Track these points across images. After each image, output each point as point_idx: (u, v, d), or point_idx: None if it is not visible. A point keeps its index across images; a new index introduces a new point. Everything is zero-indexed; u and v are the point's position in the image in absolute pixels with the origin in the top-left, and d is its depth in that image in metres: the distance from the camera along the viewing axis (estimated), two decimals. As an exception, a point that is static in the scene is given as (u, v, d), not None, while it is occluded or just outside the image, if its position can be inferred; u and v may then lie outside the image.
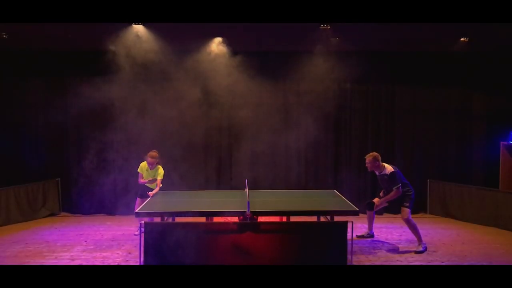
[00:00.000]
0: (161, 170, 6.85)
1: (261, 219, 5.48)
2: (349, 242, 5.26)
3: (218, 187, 8.48)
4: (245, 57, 8.13)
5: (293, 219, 6.04)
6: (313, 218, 6.30)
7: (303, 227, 5.37)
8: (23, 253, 6.11)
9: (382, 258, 5.95)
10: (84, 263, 5.68)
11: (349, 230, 5.20)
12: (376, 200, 6.57)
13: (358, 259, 5.89)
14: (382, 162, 6.39)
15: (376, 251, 6.27)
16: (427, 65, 8.49)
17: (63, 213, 8.52)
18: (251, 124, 8.52)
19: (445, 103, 8.71)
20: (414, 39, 7.66)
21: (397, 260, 5.84)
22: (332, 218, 5.67)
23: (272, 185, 8.32)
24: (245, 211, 5.22)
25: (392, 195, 6.28)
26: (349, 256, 5.31)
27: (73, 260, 5.81)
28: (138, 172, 6.89)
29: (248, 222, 5.22)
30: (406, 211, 6.23)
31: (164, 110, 8.36)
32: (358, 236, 6.94)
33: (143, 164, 6.87)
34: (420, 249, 6.18)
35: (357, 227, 7.27)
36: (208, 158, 8.60)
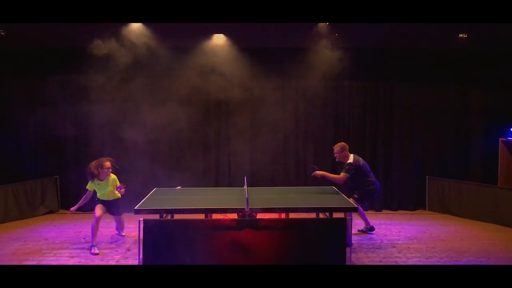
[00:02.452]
0: (114, 176, 6.35)
1: (260, 215, 5.48)
2: (348, 238, 5.26)
3: (216, 184, 8.48)
4: (243, 54, 8.16)
5: (292, 215, 6.04)
6: (312, 215, 6.30)
7: (302, 223, 5.36)
8: (22, 250, 6.10)
9: (381, 254, 5.96)
10: (83, 261, 5.67)
11: (348, 226, 5.19)
12: (318, 172, 6.51)
13: (357, 255, 5.90)
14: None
15: (375, 247, 6.28)
16: (425, 62, 8.49)
17: (61, 211, 8.50)
18: (250, 121, 8.53)
19: (443, 100, 8.71)
20: (412, 36, 7.65)
21: (396, 257, 5.85)
22: (331, 214, 5.66)
23: (271, 182, 8.33)
24: (244, 208, 5.22)
25: (333, 176, 6.44)
26: (348, 253, 5.30)
27: (72, 257, 5.81)
28: (88, 189, 6.21)
29: (247, 219, 5.21)
30: (352, 201, 6.30)
31: (162, 108, 8.38)
32: (359, 231, 6.99)
33: (89, 185, 6.23)
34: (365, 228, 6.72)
35: (356, 223, 7.26)
36: (206, 156, 8.59)
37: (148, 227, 5.08)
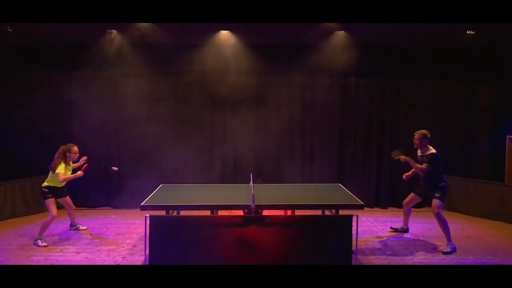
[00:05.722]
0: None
1: (266, 212, 5.48)
2: (354, 236, 5.25)
3: (222, 181, 8.49)
4: (249, 50, 8.16)
5: (298, 212, 6.04)
6: (318, 212, 6.30)
7: (307, 220, 5.37)
8: (29, 246, 6.14)
9: (387, 252, 5.95)
10: (90, 256, 5.71)
11: (354, 223, 5.19)
12: (403, 157, 6.23)
13: (363, 253, 5.89)
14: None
15: (381, 245, 6.27)
16: (432, 59, 8.43)
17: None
18: (256, 117, 8.52)
19: (450, 97, 8.65)
20: (419, 33, 7.62)
21: (402, 254, 5.84)
22: (337, 212, 5.66)
23: (277, 179, 8.32)
24: (250, 205, 5.22)
25: (419, 166, 6.07)
26: (354, 250, 5.30)
27: (78, 253, 5.84)
28: (60, 174, 6.19)
29: (253, 215, 5.22)
30: (437, 203, 5.99)
31: (168, 104, 8.40)
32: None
33: (60, 168, 6.25)
34: (448, 249, 5.92)
35: (362, 220, 7.27)
36: (212, 153, 8.58)
37: (155, 223, 5.10)
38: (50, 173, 6.37)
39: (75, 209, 6.92)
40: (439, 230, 6.91)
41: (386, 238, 6.60)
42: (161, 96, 8.40)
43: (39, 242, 6.14)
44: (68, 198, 6.75)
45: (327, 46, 8.11)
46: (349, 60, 8.16)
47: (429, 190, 6.22)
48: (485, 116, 8.71)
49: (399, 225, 6.96)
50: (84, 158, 6.66)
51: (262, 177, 8.07)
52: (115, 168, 7.05)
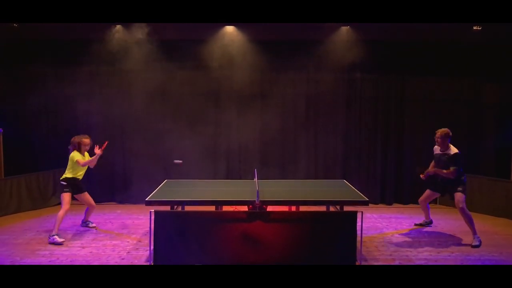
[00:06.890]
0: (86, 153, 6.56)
1: (270, 208, 5.48)
2: (358, 232, 5.25)
3: (227, 177, 8.50)
4: (254, 45, 8.14)
5: (303, 208, 6.04)
6: (323, 208, 6.29)
7: (312, 216, 5.36)
8: (35, 240, 6.17)
9: (391, 248, 5.94)
10: (95, 251, 5.73)
11: (358, 220, 5.18)
12: (430, 171, 6.36)
13: (368, 249, 5.88)
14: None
15: (386, 241, 6.26)
16: (438, 55, 8.37)
17: (73, 202, 8.53)
18: (260, 114, 8.50)
19: (456, 93, 8.59)
20: (425, 28, 7.57)
21: (407, 251, 5.83)
22: (341, 208, 5.65)
23: (281, 175, 8.32)
24: (255, 200, 5.22)
25: (446, 172, 6.13)
26: (358, 246, 5.29)
27: (83, 248, 5.87)
28: (79, 160, 6.26)
29: (257, 211, 5.22)
30: (460, 196, 6.08)
31: (173, 100, 8.41)
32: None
33: (77, 155, 6.33)
34: (476, 243, 6.01)
35: (367, 217, 7.25)
36: (217, 148, 8.59)
37: (159, 218, 5.11)
38: (69, 163, 6.35)
39: (82, 204, 6.92)
40: (444, 227, 6.93)
41: (391, 234, 6.59)
42: (165, 91, 8.40)
43: (56, 238, 5.98)
44: (86, 194, 6.58)
45: (332, 42, 8.08)
46: (354, 55, 8.10)
47: (449, 185, 6.28)
48: (491, 113, 8.64)
49: (404, 222, 6.95)
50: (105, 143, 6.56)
51: (266, 173, 8.06)
52: (178, 161, 6.78)
